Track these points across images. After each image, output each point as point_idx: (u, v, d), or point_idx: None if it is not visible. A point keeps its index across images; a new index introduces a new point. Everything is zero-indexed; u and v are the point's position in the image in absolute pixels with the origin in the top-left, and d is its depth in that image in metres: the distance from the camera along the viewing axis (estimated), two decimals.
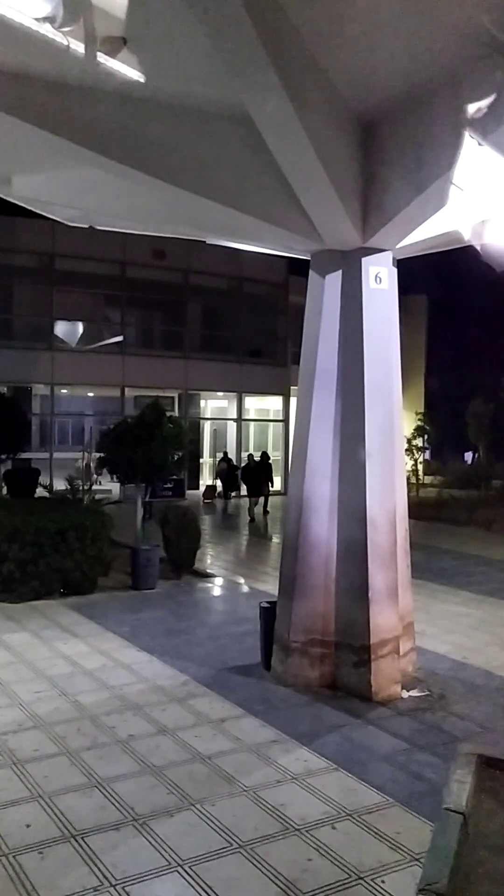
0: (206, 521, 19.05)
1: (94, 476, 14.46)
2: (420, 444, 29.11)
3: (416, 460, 28.25)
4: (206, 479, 26.30)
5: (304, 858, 4.20)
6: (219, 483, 23.02)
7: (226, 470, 22.57)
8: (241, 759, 5.45)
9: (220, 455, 24.09)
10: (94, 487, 14.57)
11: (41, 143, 5.94)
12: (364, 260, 6.89)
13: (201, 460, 26.39)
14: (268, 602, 7.58)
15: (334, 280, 7.07)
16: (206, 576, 12.06)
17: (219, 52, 5.09)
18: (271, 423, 28.39)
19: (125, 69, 5.53)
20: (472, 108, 5.43)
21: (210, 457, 27.00)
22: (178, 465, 12.23)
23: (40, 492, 16.77)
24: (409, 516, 7.70)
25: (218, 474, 23.33)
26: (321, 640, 6.94)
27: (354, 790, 5.01)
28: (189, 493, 23.64)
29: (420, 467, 29.10)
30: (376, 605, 6.73)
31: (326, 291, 7.08)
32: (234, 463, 23.20)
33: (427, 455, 31.57)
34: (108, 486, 17.36)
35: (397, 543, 7.03)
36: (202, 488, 24.34)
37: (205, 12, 4.68)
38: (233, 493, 22.28)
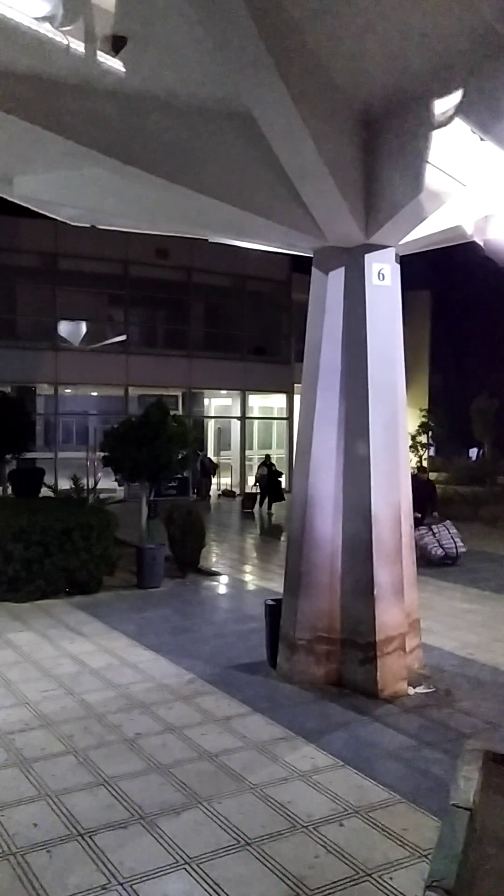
0: (247, 537, 16.84)
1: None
2: (424, 441, 29.09)
3: (420, 457, 28.24)
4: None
5: (312, 855, 4.20)
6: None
7: (266, 476, 20.00)
8: (247, 756, 5.45)
9: (222, 454, 23.41)
10: (99, 486, 14.60)
11: (41, 141, 5.94)
12: (367, 257, 6.88)
13: None
14: (273, 600, 7.58)
15: (337, 277, 7.06)
16: (212, 574, 12.08)
17: (219, 49, 5.08)
18: (275, 421, 28.40)
19: (125, 67, 5.53)
20: (473, 104, 5.42)
21: (214, 455, 26.96)
22: (182, 464, 12.24)
23: (45, 491, 16.82)
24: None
25: (258, 480, 20.79)
26: (327, 638, 6.94)
27: (361, 787, 5.01)
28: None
29: (425, 463, 29.07)
30: (382, 602, 6.72)
31: (329, 288, 7.07)
32: (276, 468, 20.49)
33: (432, 451, 31.54)
34: (112, 484, 17.37)
35: (402, 540, 7.02)
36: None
37: (205, 9, 4.68)
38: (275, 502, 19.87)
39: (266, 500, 20.13)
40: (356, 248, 6.90)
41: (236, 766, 5.27)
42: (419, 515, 13.14)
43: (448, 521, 13.53)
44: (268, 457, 21.26)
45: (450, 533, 13.19)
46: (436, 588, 10.96)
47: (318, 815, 4.64)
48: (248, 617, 9.27)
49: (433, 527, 13.20)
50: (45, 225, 15.64)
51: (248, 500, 20.73)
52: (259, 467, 21.16)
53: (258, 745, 5.64)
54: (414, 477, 14.61)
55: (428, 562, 12.35)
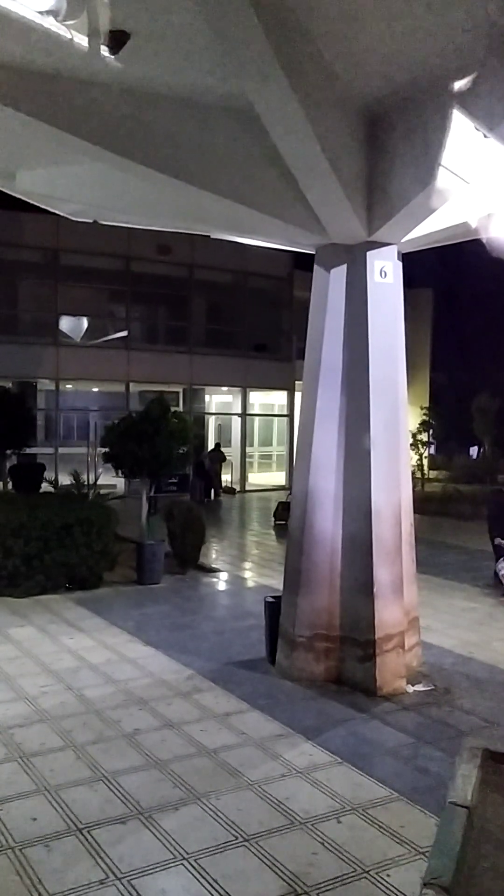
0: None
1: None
2: (425, 439, 29.05)
3: (421, 455, 28.22)
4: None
5: (310, 852, 4.21)
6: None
7: None
8: (246, 753, 5.46)
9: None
10: (99, 482, 14.59)
11: (44, 136, 5.93)
12: (369, 254, 6.87)
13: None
14: (273, 597, 7.59)
15: (339, 274, 7.04)
16: (212, 570, 12.08)
17: (222, 44, 5.06)
18: (276, 418, 28.40)
19: (128, 62, 5.51)
20: (477, 100, 5.40)
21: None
22: (183, 460, 12.23)
23: (45, 487, 16.82)
24: (415, 511, 7.69)
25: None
26: (326, 635, 6.95)
27: (359, 784, 5.02)
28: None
29: (425, 462, 29.08)
30: (381, 600, 6.72)
31: (331, 286, 7.06)
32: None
33: (432, 450, 31.51)
34: (113, 480, 17.37)
35: (402, 538, 7.02)
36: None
37: (207, 3, 4.66)
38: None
39: None
40: (358, 246, 6.89)
41: (235, 763, 5.28)
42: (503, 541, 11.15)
43: None
44: None
45: None
46: (435, 586, 10.95)
47: (317, 811, 4.64)
48: (248, 614, 9.28)
49: None
50: (47, 220, 15.59)
51: (283, 510, 18.08)
52: None
53: (257, 741, 5.65)
54: (497, 493, 12.31)
55: None
